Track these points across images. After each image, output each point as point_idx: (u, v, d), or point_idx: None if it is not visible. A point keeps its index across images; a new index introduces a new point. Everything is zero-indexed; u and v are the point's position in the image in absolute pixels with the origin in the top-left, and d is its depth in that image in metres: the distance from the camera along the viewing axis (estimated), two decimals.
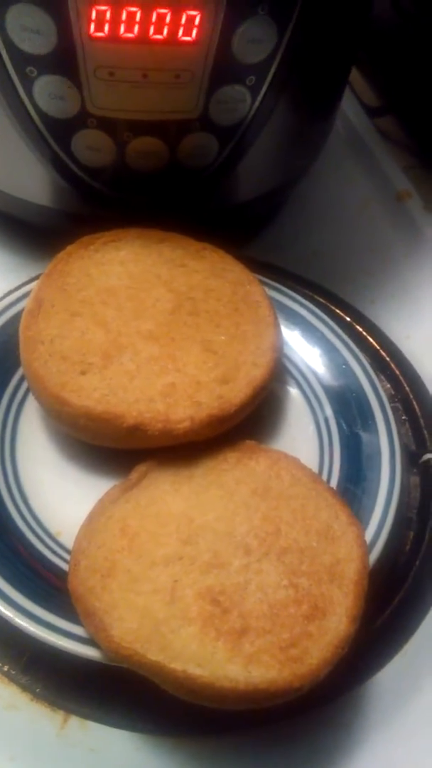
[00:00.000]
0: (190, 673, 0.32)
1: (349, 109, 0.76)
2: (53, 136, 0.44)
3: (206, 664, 0.32)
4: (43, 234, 0.50)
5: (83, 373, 0.41)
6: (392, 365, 0.55)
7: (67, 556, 0.39)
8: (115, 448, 0.42)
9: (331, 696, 0.39)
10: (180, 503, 0.39)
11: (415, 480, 0.49)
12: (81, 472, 0.43)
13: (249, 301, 0.46)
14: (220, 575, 0.36)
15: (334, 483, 0.44)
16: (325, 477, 0.45)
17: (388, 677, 0.42)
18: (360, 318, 0.57)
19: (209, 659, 0.32)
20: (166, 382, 0.41)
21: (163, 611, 0.34)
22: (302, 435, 0.47)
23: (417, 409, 0.52)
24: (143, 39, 0.39)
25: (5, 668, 0.38)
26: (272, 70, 0.43)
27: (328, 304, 0.56)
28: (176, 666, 0.32)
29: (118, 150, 0.44)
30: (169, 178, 0.47)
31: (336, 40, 0.47)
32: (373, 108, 0.78)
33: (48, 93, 0.41)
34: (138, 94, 0.41)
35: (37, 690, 0.37)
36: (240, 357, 0.43)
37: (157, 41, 0.39)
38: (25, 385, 0.45)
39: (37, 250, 0.52)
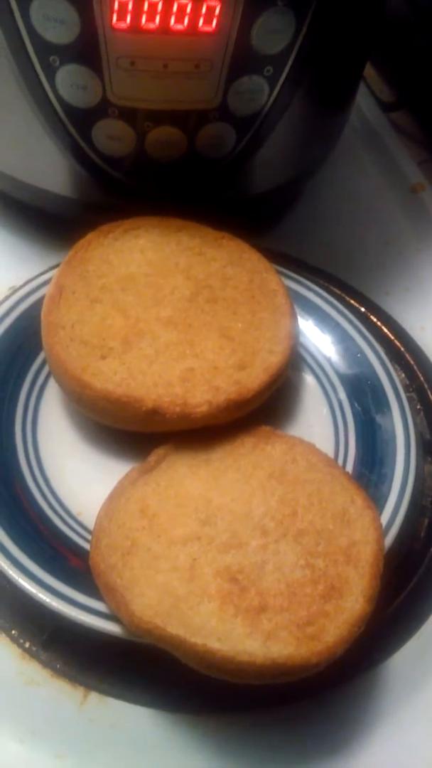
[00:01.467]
0: (210, 647, 0.32)
1: (364, 103, 0.76)
2: (74, 126, 0.44)
3: (225, 639, 0.33)
4: (63, 224, 0.50)
5: (103, 357, 0.41)
6: (407, 355, 0.55)
7: (87, 536, 0.40)
8: (134, 432, 0.42)
9: (346, 677, 0.40)
10: (198, 485, 0.40)
11: (430, 468, 0.49)
12: (101, 455, 0.44)
13: (266, 289, 0.47)
14: (238, 555, 0.36)
15: (349, 468, 0.45)
16: (340, 462, 0.45)
17: (403, 661, 0.42)
18: (375, 309, 0.57)
19: (228, 634, 0.33)
20: (185, 367, 0.42)
21: (182, 588, 0.35)
22: (318, 421, 0.48)
23: (431, 398, 0.53)
24: (164, 29, 0.39)
25: (26, 644, 0.39)
26: (290, 61, 0.44)
27: (344, 295, 0.56)
28: (197, 640, 0.32)
29: (137, 139, 0.45)
30: (187, 168, 0.47)
31: (352, 31, 0.48)
32: (388, 103, 0.78)
33: (70, 82, 0.42)
34: (158, 84, 0.42)
35: (58, 666, 0.38)
36: (257, 344, 0.44)
37: (177, 31, 0.39)
38: (46, 369, 0.46)
39: (57, 240, 0.53)
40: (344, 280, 0.58)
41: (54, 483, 0.42)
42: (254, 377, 0.42)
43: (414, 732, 0.40)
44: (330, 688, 0.39)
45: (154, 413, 0.40)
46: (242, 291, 0.46)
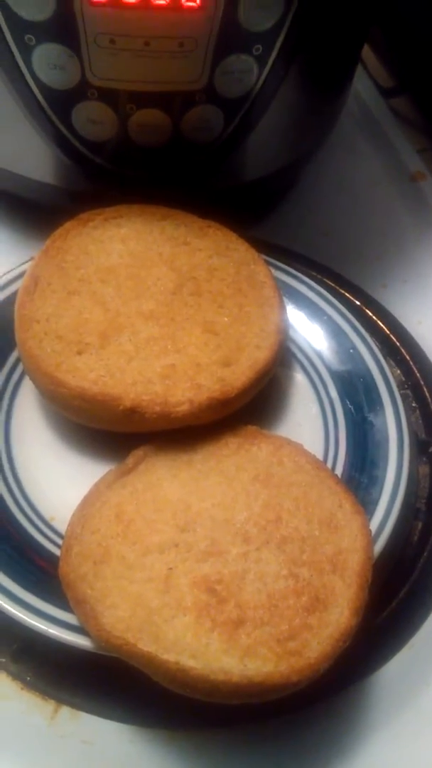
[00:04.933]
0: (183, 664, 0.30)
1: (363, 88, 0.74)
2: (53, 109, 0.42)
3: (200, 656, 0.31)
4: (44, 211, 0.48)
5: (79, 353, 0.40)
6: (403, 351, 0.53)
7: (60, 542, 0.38)
8: (112, 432, 0.41)
9: (331, 691, 0.38)
10: (178, 489, 0.38)
11: (424, 469, 0.48)
12: (77, 456, 0.42)
13: (253, 281, 0.45)
14: (217, 564, 0.35)
15: (339, 470, 0.43)
16: (329, 464, 0.43)
17: (393, 672, 0.40)
18: (370, 302, 0.55)
19: (203, 651, 0.31)
20: (166, 363, 0.40)
21: (156, 600, 0.33)
22: (307, 421, 0.46)
23: (428, 396, 0.51)
24: (145, 4, 0.37)
25: None
26: (280, 40, 0.41)
27: (337, 287, 0.54)
28: (169, 657, 0.31)
29: (120, 123, 0.43)
30: (173, 153, 0.45)
31: (347, 7, 0.45)
32: (388, 88, 0.76)
33: (47, 62, 0.40)
34: (140, 64, 0.40)
35: (28, 678, 0.37)
36: (243, 339, 0.42)
37: (159, 6, 0.37)
38: (21, 366, 0.44)
39: (38, 228, 0.50)
40: (340, 271, 0.56)
41: (26, 485, 0.41)
42: (239, 374, 0.41)
43: (402, 747, 0.39)
44: (314, 703, 0.38)
45: (133, 412, 0.38)
46: (229, 283, 0.44)
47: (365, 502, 0.40)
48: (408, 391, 0.51)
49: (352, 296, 0.54)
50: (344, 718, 0.39)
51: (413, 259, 0.61)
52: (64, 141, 0.44)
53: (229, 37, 0.40)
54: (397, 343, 0.54)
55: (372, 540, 0.38)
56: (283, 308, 0.45)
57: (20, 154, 0.46)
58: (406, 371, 0.52)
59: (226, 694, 0.31)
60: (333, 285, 0.54)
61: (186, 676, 0.30)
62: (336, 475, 0.41)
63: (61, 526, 0.38)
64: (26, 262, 0.46)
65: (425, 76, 0.75)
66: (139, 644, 0.31)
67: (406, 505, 0.42)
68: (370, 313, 0.54)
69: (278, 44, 0.42)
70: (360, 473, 0.43)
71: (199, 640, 0.32)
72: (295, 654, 0.32)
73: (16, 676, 0.37)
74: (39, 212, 0.50)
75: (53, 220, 0.46)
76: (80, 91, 0.41)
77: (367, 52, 0.77)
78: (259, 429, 0.42)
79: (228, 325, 0.42)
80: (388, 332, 0.54)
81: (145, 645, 0.31)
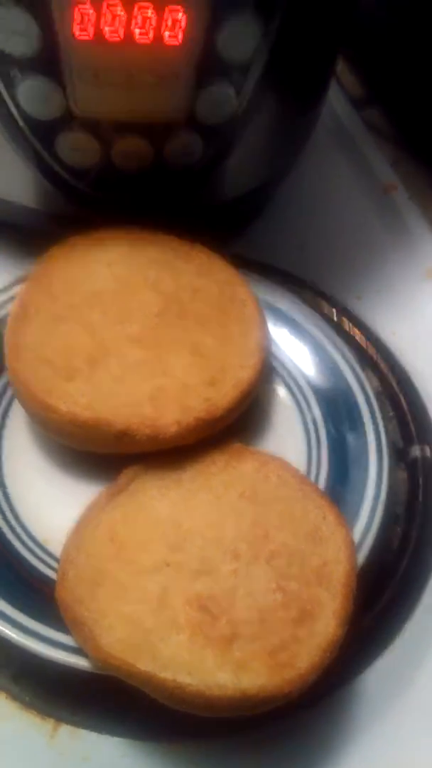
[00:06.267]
0: (180, 681, 0.32)
1: (335, 100, 0.75)
2: (37, 138, 0.43)
3: (196, 672, 0.32)
4: (29, 235, 0.49)
5: (69, 378, 0.40)
6: (379, 361, 0.55)
7: (54, 564, 0.39)
8: (102, 454, 0.41)
9: (319, 696, 0.39)
10: (168, 508, 0.39)
11: (402, 475, 0.49)
12: (68, 478, 0.43)
13: (236, 300, 0.46)
14: (208, 581, 0.36)
15: (321, 484, 0.44)
16: (312, 478, 0.44)
17: (374, 677, 0.42)
18: (347, 314, 0.56)
19: (199, 667, 0.32)
20: (154, 386, 0.41)
21: (152, 620, 0.34)
22: (290, 435, 0.47)
23: (404, 405, 0.53)
24: (129, 41, 0.38)
25: None
26: (258, 68, 0.42)
27: (315, 301, 0.55)
28: (166, 675, 0.32)
29: (102, 151, 0.43)
30: (155, 178, 0.46)
31: (321, 35, 0.46)
32: (359, 100, 0.77)
33: (32, 95, 0.40)
34: (123, 96, 0.40)
35: (27, 699, 0.37)
36: (227, 359, 0.43)
37: (142, 44, 0.38)
38: (10, 390, 0.45)
39: (23, 252, 0.51)
40: (316, 284, 0.57)
41: (19, 509, 0.41)
42: (224, 394, 0.42)
43: (390, 746, 0.40)
44: (303, 709, 0.39)
45: (124, 435, 0.39)
46: (212, 304, 0.45)
47: (348, 513, 0.41)
48: (385, 400, 0.53)
49: (330, 309, 0.56)
50: (331, 722, 0.40)
51: (386, 270, 0.63)
52: (48, 168, 0.45)
53: (209, 69, 0.40)
54: (374, 355, 0.55)
55: (355, 551, 0.39)
56: (265, 326, 0.46)
57: (5, 180, 0.47)
58: (383, 381, 0.54)
59: (222, 707, 0.32)
60: (311, 298, 0.55)
61: (183, 693, 0.32)
62: (319, 488, 0.42)
63: (56, 549, 0.39)
64: (11, 286, 0.47)
65: (395, 89, 0.76)
66: (137, 664, 0.32)
67: (387, 512, 0.44)
68: (348, 326, 0.56)
69: (255, 72, 0.42)
70: (342, 485, 0.44)
71: (193, 657, 0.33)
72: (286, 666, 0.33)
73: (15, 697, 0.38)
74: (25, 236, 0.50)
75: (39, 243, 0.46)
76: (64, 122, 0.42)
77: (339, 64, 0.78)
78: (244, 445, 0.43)
79: (212, 345, 0.43)
80: (364, 344, 0.55)
81: (143, 665, 0.32)
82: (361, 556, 0.41)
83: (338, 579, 0.37)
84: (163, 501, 0.39)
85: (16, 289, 0.45)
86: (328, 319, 0.53)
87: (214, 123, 0.44)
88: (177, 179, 0.47)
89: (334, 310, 0.56)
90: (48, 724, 0.37)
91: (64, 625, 0.35)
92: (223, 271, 0.47)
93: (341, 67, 0.79)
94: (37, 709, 0.38)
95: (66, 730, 0.37)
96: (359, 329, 0.56)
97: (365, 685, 0.42)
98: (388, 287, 0.62)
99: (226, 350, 0.44)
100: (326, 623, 0.35)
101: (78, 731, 0.37)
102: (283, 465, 0.42)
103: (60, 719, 0.37)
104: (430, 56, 0.70)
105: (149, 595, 0.35)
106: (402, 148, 0.74)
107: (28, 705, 0.38)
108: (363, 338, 0.56)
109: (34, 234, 0.48)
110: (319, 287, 0.57)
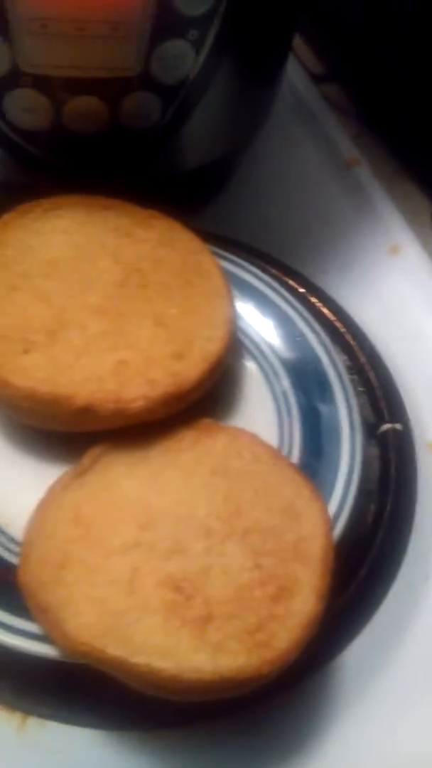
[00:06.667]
0: (154, 666, 0.30)
1: (295, 76, 0.74)
2: None
3: (171, 656, 0.30)
4: None
5: (26, 352, 0.38)
6: (347, 336, 0.54)
7: (17, 549, 0.36)
8: (65, 432, 0.39)
9: (298, 677, 0.38)
10: (136, 487, 0.37)
11: (374, 451, 0.48)
12: (29, 459, 0.41)
13: (200, 271, 0.44)
14: (181, 561, 0.34)
15: (295, 458, 0.43)
16: (285, 452, 0.43)
17: (354, 655, 0.41)
18: (314, 289, 0.55)
19: (174, 650, 0.31)
20: (117, 359, 0.39)
21: (122, 603, 0.32)
22: (260, 410, 0.45)
23: (374, 380, 0.52)
24: None
25: None
26: (215, 25, 0.40)
27: (281, 275, 0.54)
28: (139, 660, 0.30)
29: (54, 111, 0.41)
30: (111, 142, 0.44)
31: None
32: (319, 75, 0.76)
33: None
34: (73, 49, 0.38)
35: None
36: (193, 331, 0.41)
37: None
38: None
39: None
40: (281, 259, 0.55)
41: None
42: (192, 367, 0.40)
43: (366, 730, 0.39)
44: (283, 691, 0.38)
45: (86, 411, 0.37)
46: (175, 274, 0.44)
47: (322, 488, 0.40)
48: (354, 376, 0.52)
49: (296, 284, 0.54)
50: (312, 702, 0.39)
51: (351, 244, 0.62)
52: None
53: (165, 22, 0.39)
54: (342, 329, 0.54)
55: (331, 525, 0.38)
56: (231, 298, 0.44)
57: None
58: (351, 356, 0.53)
59: (199, 691, 0.30)
60: (277, 273, 0.54)
61: (158, 678, 0.30)
62: (293, 463, 0.41)
63: (18, 533, 0.37)
64: None
65: (354, 64, 0.75)
66: (107, 650, 0.30)
67: (361, 488, 0.43)
68: (315, 300, 0.54)
69: (214, 29, 0.41)
70: (315, 459, 0.43)
71: (168, 640, 0.31)
72: (264, 645, 0.32)
73: None
74: None
75: None
76: (12, 79, 0.39)
77: (297, 40, 0.77)
78: (214, 421, 0.41)
79: (177, 317, 0.42)
80: (332, 319, 0.54)
81: (114, 650, 0.30)
82: (337, 531, 0.39)
83: (315, 554, 0.36)
84: (130, 479, 0.37)
85: None
86: (294, 293, 0.52)
87: (170, 83, 0.42)
88: (134, 143, 0.45)
89: (300, 285, 0.54)
90: (15, 718, 0.36)
91: (29, 612, 0.33)
92: (186, 241, 0.46)
93: (301, 42, 0.78)
94: (2, 701, 0.35)
95: (34, 723, 0.36)
96: (326, 304, 0.55)
97: (346, 662, 0.41)
98: (352, 261, 0.61)
99: (193, 322, 0.42)
100: (305, 599, 0.34)
101: (47, 723, 0.35)
102: (255, 440, 0.41)
103: (28, 711, 0.35)
104: (389, 32, 0.69)
105: (119, 576, 0.33)
106: (362, 123, 0.73)
107: None
108: (330, 313, 0.55)
109: None
110: (284, 262, 0.55)
